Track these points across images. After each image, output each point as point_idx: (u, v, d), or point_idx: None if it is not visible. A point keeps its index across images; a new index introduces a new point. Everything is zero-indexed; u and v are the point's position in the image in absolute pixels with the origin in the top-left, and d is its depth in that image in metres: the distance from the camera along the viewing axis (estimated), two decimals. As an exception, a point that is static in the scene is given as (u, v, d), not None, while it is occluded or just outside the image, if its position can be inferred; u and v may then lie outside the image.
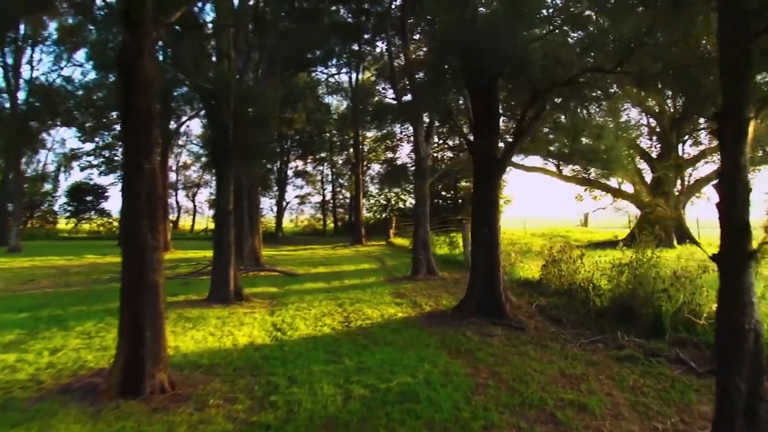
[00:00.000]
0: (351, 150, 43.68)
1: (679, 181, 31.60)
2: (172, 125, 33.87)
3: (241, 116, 11.58)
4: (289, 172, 50.21)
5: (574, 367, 6.83)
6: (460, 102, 12.61)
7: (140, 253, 5.79)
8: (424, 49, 21.31)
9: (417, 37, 22.30)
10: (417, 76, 16.97)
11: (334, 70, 39.62)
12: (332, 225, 52.59)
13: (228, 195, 12.23)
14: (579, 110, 10.52)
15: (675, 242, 28.60)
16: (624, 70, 7.96)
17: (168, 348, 6.67)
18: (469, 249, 18.36)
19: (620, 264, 9.76)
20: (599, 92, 9.69)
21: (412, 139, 39.25)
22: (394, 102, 25.18)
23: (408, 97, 19.83)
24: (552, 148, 25.54)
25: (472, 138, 11.01)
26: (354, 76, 37.52)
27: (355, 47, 33.53)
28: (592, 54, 8.57)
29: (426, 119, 17.38)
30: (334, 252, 28.54)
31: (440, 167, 39.66)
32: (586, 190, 37.44)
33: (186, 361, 7.24)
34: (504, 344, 8.08)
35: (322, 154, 50.15)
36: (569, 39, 9.31)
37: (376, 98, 42.38)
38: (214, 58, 13.33)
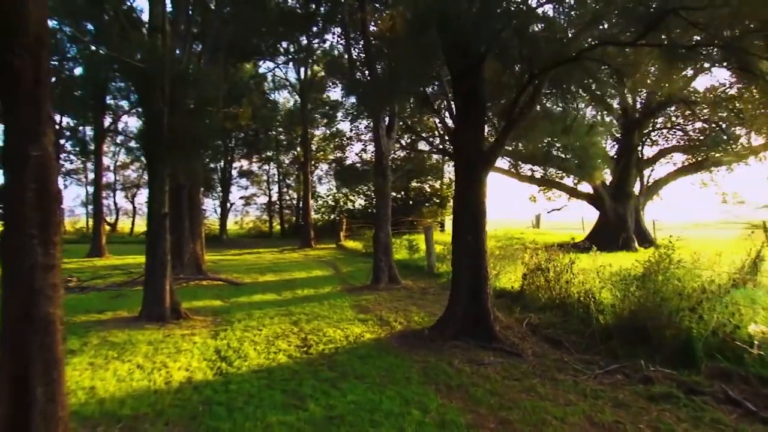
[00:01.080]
0: (299, 148, 41.89)
1: (638, 182, 31.01)
2: (107, 121, 31.57)
3: (178, 103, 9.83)
4: (234, 172, 48.18)
5: (602, 411, 5.37)
6: (437, 87, 11.20)
7: (28, 276, 4.08)
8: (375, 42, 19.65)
9: (374, 28, 20.73)
10: (378, 63, 15.45)
11: (281, 59, 37.79)
12: (279, 227, 50.75)
13: (163, 195, 10.40)
14: (576, 95, 9.20)
15: (636, 245, 27.91)
16: (650, 42, 6.63)
17: (76, 395, 5.05)
18: (433, 254, 17.02)
19: (630, 275, 8.48)
20: (607, 71, 8.37)
21: (362, 136, 37.99)
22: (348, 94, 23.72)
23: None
24: (509, 148, 24.51)
25: (451, 132, 9.58)
26: (303, 70, 35.80)
27: (304, 40, 32.06)
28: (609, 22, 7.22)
29: (387, 112, 15.84)
30: (283, 256, 26.86)
31: (392, 166, 38.31)
32: (541, 190, 36.79)
33: (102, 412, 5.54)
34: (503, 377, 6.59)
35: (269, 153, 48.25)
36: (577, 5, 7.90)
37: (326, 95, 41.07)
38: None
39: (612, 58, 8.00)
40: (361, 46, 18.55)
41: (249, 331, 9.40)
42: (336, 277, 17.69)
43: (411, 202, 46.29)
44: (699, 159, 29.52)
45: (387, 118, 15.58)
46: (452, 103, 9.98)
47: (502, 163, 33.80)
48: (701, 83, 54.43)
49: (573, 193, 33.33)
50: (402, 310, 11.28)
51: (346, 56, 20.68)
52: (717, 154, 28.08)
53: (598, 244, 28.08)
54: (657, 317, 7.28)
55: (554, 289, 10.47)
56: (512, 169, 33.95)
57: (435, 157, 45.31)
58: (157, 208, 10.35)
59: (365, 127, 34.44)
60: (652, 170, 32.09)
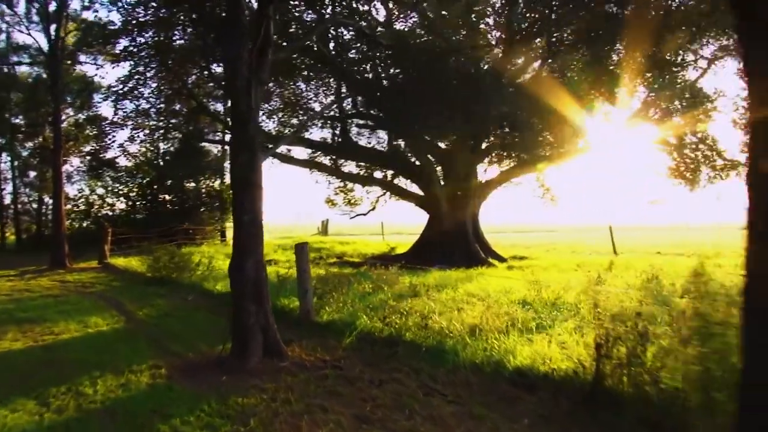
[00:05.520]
0: (47, 133, 32.06)
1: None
2: None
3: None
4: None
5: None
6: None
7: None
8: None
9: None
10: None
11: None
12: (13, 237, 39.48)
13: None
14: None
15: (487, 259, 23.83)
16: None
17: None
18: (310, 290, 10.59)
19: None
20: None
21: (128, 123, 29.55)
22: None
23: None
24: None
25: None
26: (53, 29, 26.52)
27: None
28: None
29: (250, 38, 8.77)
30: (28, 286, 17.79)
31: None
32: (340, 191, 31.99)
33: None
34: None
35: (0, 141, 36.73)
36: None
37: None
38: None
39: None
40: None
41: None
42: (137, 332, 10.35)
43: (187, 206, 38.78)
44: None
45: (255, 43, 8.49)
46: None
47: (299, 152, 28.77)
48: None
49: (402, 194, 28.74)
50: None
51: None
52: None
53: (427, 256, 23.75)
54: None
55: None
56: (332, 163, 28.81)
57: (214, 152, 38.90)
58: None
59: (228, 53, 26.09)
60: (485, 170, 28.72)
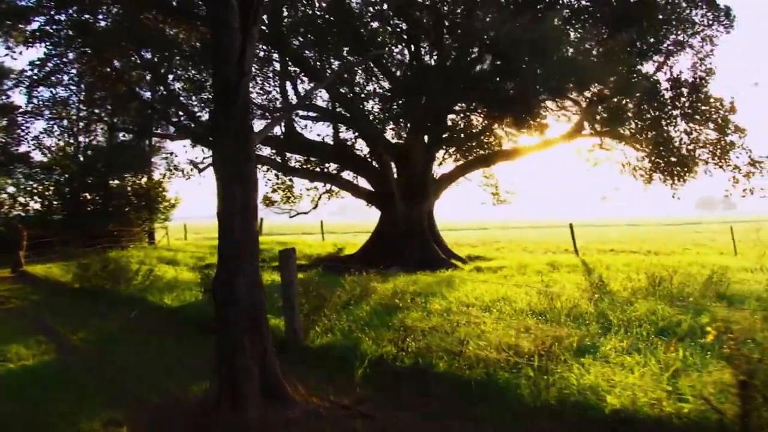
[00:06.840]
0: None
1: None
2: None
3: None
4: None
5: None
6: None
7: None
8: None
9: None
10: None
11: None
12: None
13: None
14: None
15: (449, 260, 22.25)
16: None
17: None
18: (297, 306, 8.54)
19: None
20: None
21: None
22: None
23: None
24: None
25: None
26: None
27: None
28: None
29: None
30: (-75, 301, 14.99)
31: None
32: (278, 188, 29.77)
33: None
34: None
35: None
36: None
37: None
38: None
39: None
40: None
41: None
42: (77, 366, 7.95)
43: (111, 206, 35.80)
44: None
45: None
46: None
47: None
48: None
49: (351, 189, 26.71)
50: None
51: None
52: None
53: (382, 257, 22.00)
54: None
55: None
56: (274, 156, 26.58)
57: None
58: None
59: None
60: (439, 164, 27.14)
